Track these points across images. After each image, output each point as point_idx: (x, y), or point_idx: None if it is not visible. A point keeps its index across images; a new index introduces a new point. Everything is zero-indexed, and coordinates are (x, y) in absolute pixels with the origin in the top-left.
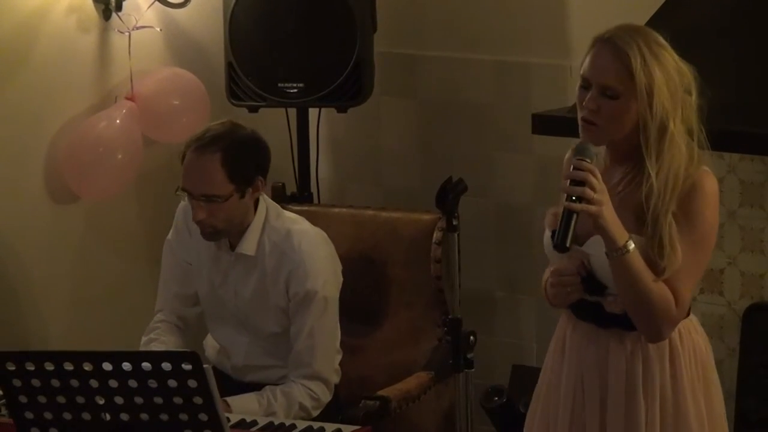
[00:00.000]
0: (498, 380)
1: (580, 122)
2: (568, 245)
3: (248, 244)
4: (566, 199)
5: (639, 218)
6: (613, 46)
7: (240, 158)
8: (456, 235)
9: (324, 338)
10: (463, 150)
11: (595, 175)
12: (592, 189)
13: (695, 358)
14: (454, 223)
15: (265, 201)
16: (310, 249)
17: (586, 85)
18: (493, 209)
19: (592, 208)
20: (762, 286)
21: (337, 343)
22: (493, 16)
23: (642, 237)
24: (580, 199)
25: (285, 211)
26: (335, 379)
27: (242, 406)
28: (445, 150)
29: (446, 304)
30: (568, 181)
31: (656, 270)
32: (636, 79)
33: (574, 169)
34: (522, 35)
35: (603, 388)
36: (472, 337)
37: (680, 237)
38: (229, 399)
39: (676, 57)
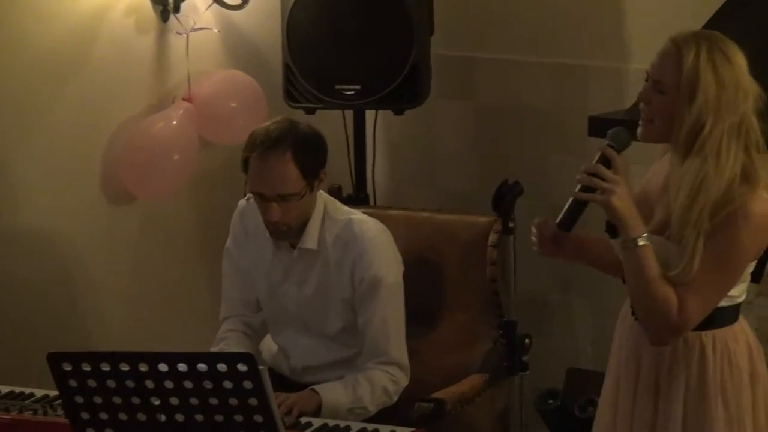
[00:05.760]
0: (553, 383)
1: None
2: (568, 229)
3: (310, 239)
4: (577, 188)
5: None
6: (674, 44)
7: (308, 153)
8: (512, 237)
9: (396, 325)
10: (519, 152)
11: (613, 163)
12: (602, 179)
13: (730, 366)
14: (510, 225)
15: (322, 195)
16: (372, 236)
17: (647, 79)
18: (549, 211)
19: (597, 197)
20: None
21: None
22: (550, 19)
23: (664, 238)
24: (590, 189)
25: (339, 202)
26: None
27: (330, 394)
28: (501, 152)
29: (501, 307)
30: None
31: (670, 274)
32: (683, 74)
33: (599, 153)
34: (579, 38)
35: (636, 381)
36: (527, 340)
37: (705, 252)
38: (316, 387)
39: (743, 76)
